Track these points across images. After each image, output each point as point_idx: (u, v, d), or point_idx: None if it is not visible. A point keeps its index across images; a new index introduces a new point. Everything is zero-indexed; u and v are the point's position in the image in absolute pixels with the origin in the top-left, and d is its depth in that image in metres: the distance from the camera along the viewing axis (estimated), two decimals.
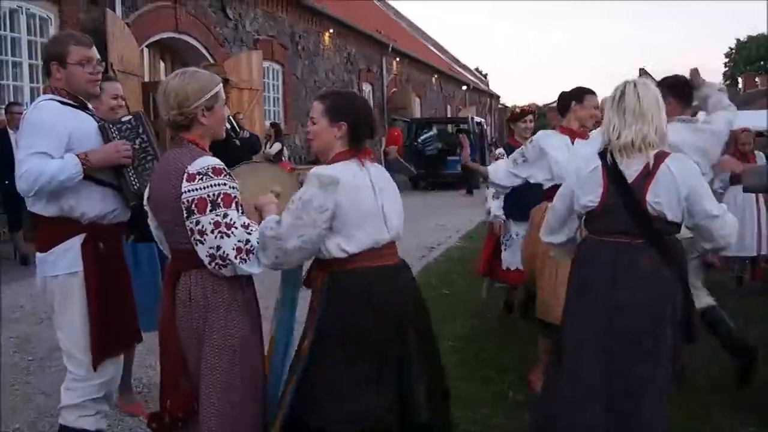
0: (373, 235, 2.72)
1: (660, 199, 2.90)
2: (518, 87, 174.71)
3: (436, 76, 36.21)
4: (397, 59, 29.17)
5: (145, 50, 13.86)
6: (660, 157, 2.95)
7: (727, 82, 74.06)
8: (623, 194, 2.94)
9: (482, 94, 50.74)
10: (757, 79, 56.68)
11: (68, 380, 3.35)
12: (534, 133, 5.33)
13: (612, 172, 2.98)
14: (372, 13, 30.99)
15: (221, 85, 2.86)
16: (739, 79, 61.64)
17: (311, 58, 21.24)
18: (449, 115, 35.96)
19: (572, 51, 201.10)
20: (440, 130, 24.82)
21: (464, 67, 51.31)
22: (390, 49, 27.64)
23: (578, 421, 3.03)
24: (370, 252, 2.72)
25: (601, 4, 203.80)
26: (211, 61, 14.80)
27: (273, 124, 15.83)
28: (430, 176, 21.88)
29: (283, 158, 15.84)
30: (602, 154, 3.05)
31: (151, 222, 2.90)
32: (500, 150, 5.91)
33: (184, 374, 2.73)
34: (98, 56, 3.40)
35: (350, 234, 2.68)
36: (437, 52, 44.32)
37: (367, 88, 26.29)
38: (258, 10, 17.63)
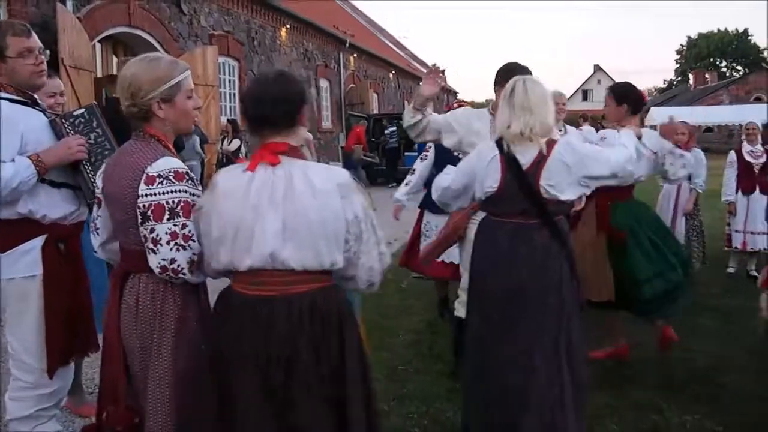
0: (228, 256, 2.34)
1: (552, 182, 3.18)
2: (476, 83, 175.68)
3: (393, 71, 36.26)
4: (355, 55, 29.12)
5: (98, 45, 13.61)
6: (551, 143, 3.22)
7: (679, 78, 75.68)
8: (519, 180, 3.20)
9: (439, 90, 50.90)
10: (707, 76, 57.90)
11: (14, 389, 3.19)
12: None
13: (509, 160, 3.23)
14: (329, 9, 30.87)
15: (187, 73, 2.63)
16: (690, 75, 62.83)
17: (268, 54, 21.09)
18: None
19: (530, 47, 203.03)
20: (398, 126, 24.87)
21: (422, 63, 51.45)
22: (347, 45, 27.58)
23: (508, 382, 3.21)
24: (248, 275, 2.33)
25: (561, 3, 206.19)
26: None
27: (230, 121, 15.66)
28: (390, 170, 21.87)
29: (240, 155, 15.71)
30: (499, 144, 3.29)
31: (101, 213, 2.70)
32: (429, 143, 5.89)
33: (124, 387, 2.56)
34: (40, 44, 3.19)
35: (213, 250, 2.38)
36: (395, 48, 44.38)
37: (324, 83, 26.21)
38: (213, 5, 17.43)
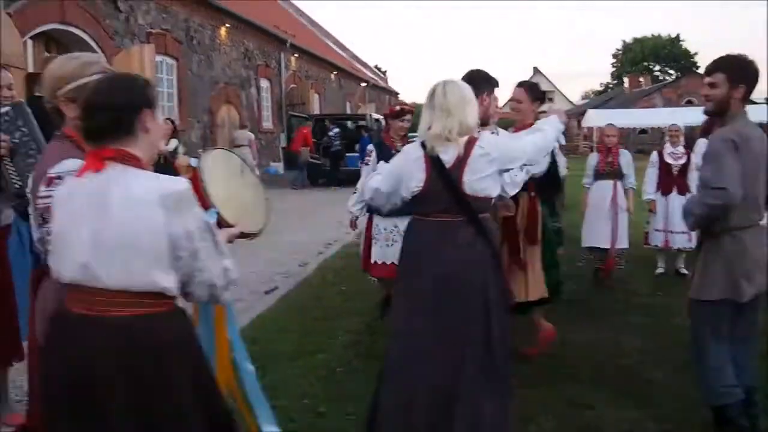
0: (55, 265, 2.22)
1: (475, 178, 3.25)
2: (417, 84, 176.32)
3: (335, 72, 36.23)
4: (296, 55, 29.01)
5: (29, 42, 13.25)
6: (471, 142, 3.29)
7: (615, 81, 77.40)
8: (443, 178, 3.27)
9: (381, 91, 51.11)
10: (641, 79, 59.38)
11: None
12: (410, 131, 5.48)
13: (432, 159, 3.29)
14: (270, 9, 30.67)
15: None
16: (625, 79, 64.32)
17: (207, 53, 20.84)
18: (348, 112, 36.01)
19: (470, 48, 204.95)
20: (340, 127, 24.83)
21: (364, 64, 51.55)
22: (288, 45, 27.46)
23: (415, 372, 3.28)
24: (74, 290, 2.17)
25: (499, 4, 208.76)
26: (100, 54, 14.28)
27: (167, 120, 15.39)
28: (333, 172, 21.82)
29: (178, 155, 15.45)
30: (424, 144, 3.36)
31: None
32: (369, 147, 5.90)
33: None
34: None
35: (52, 257, 2.25)
36: (337, 49, 44.34)
37: (265, 83, 26.04)
38: (151, 3, 17.14)
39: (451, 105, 3.28)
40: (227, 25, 21.89)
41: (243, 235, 2.78)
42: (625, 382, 4.76)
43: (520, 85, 5.14)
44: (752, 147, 3.55)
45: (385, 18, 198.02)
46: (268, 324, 6.25)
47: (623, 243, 7.72)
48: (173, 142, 14.92)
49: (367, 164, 5.87)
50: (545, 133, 3.56)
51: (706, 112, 3.91)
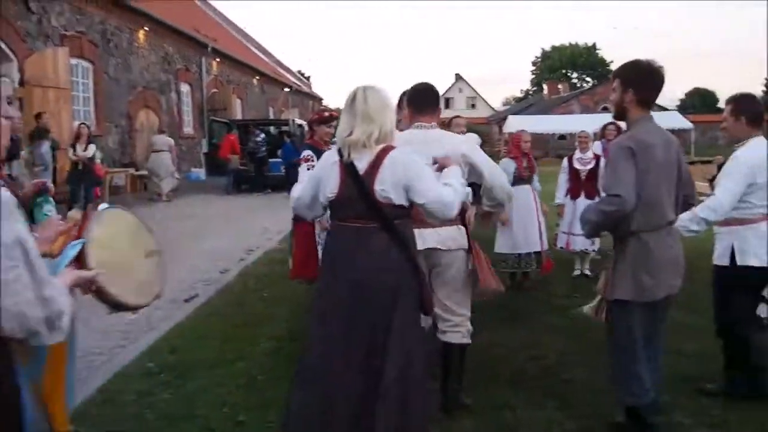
0: None
1: (385, 186, 3.23)
2: (341, 90, 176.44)
3: (258, 77, 35.93)
4: (218, 59, 28.64)
5: None
6: (385, 150, 3.28)
7: (534, 88, 79.28)
8: (356, 185, 3.27)
9: (305, 97, 50.95)
10: (559, 86, 60.97)
11: None
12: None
13: (347, 166, 3.30)
14: (191, 12, 30.24)
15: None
16: (544, 86, 65.90)
17: (125, 56, 20.35)
18: (271, 117, 35.74)
19: (395, 54, 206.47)
20: (266, 133, 24.56)
21: (287, 69, 51.32)
22: (210, 49, 27.08)
23: (332, 380, 3.25)
24: None
25: (418, 11, 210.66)
26: (11, 56, 13.79)
27: (82, 125, 14.93)
28: (258, 177, 21.57)
29: (96, 161, 15.07)
30: (340, 151, 3.36)
31: None
32: (308, 152, 5.81)
33: None
34: None
35: None
36: (259, 54, 43.99)
37: (185, 88, 25.61)
38: (64, 5, 16.62)
39: (372, 111, 3.28)
40: (146, 28, 21.43)
41: (116, 305, 2.35)
42: (544, 382, 4.85)
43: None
44: (653, 153, 3.63)
45: (310, 23, 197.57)
46: (188, 332, 6.13)
47: (545, 245, 7.87)
48: (91, 148, 14.60)
49: (310, 168, 5.78)
50: (453, 191, 3.39)
51: (613, 117, 4.03)
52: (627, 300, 3.72)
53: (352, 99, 3.34)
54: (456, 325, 4.28)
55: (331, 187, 3.35)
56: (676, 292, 3.83)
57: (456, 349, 4.32)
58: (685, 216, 4.19)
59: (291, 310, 6.40)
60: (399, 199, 3.26)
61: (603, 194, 3.96)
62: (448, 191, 3.35)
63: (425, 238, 4.07)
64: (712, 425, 4.15)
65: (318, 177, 3.50)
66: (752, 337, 4.47)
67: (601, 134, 9.56)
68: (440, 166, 3.70)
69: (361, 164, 3.28)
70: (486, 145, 33.65)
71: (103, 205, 2.60)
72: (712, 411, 4.32)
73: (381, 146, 3.29)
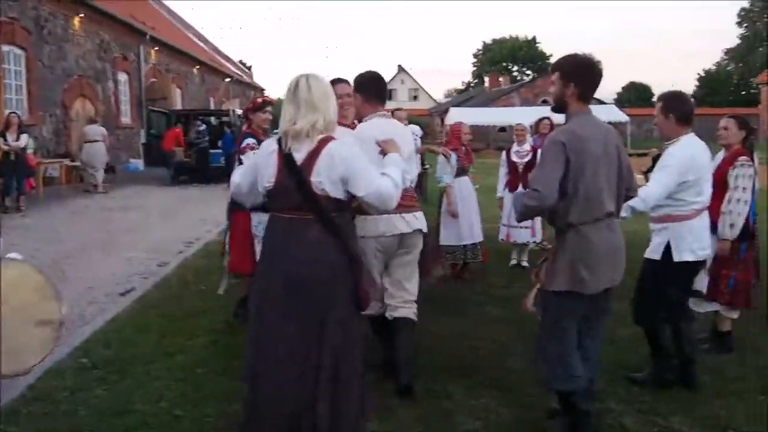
0: None
1: (322, 178, 3.20)
2: (284, 80, 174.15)
3: (198, 67, 35.40)
4: (156, 48, 28.11)
5: None
6: (324, 141, 3.25)
7: (476, 80, 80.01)
8: (293, 175, 3.23)
9: (246, 87, 50.42)
10: (500, 79, 61.65)
11: None
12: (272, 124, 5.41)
13: (285, 156, 3.26)
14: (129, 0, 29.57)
15: None
16: (486, 78, 66.55)
17: (59, 44, 19.82)
18: (212, 107, 35.26)
19: (336, 45, 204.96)
20: (207, 124, 24.18)
21: (227, 58, 50.67)
22: (148, 38, 26.56)
23: (271, 376, 3.26)
24: None
25: (368, 5, 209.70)
26: None
27: (11, 114, 14.45)
28: (200, 168, 21.23)
29: (28, 152, 14.64)
30: (279, 140, 3.32)
31: None
32: (251, 140, 5.75)
33: None
34: None
35: None
36: (199, 43, 43.33)
37: (122, 77, 25.10)
38: None
39: (316, 99, 3.25)
40: (81, 14, 20.89)
41: None
42: (482, 371, 4.93)
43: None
44: (589, 147, 3.62)
45: (251, 13, 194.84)
46: (123, 327, 6.01)
47: (481, 236, 7.94)
48: (23, 138, 14.17)
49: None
50: (391, 182, 3.35)
51: (552, 110, 4.04)
52: (562, 291, 3.73)
53: (295, 87, 3.29)
54: (407, 302, 4.54)
55: (268, 176, 3.31)
56: (616, 285, 3.85)
57: (409, 324, 4.52)
58: None
59: (230, 302, 6.32)
60: (336, 192, 3.24)
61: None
62: (386, 183, 3.32)
63: (409, 221, 4.43)
64: (641, 411, 4.28)
65: (256, 165, 3.46)
66: (683, 329, 4.62)
67: (536, 129, 9.68)
68: (382, 150, 3.71)
69: (299, 155, 3.24)
70: (428, 137, 33.86)
71: (13, 255, 2.44)
72: (642, 397, 4.45)
73: (321, 137, 3.24)
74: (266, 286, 3.35)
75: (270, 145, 3.40)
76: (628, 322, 4.87)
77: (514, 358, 5.21)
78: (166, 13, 40.73)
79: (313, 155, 3.22)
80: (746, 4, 70.50)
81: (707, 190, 4.57)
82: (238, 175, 3.63)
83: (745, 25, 70.50)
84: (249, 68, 61.29)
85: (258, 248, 5.73)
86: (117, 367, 4.99)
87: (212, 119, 25.08)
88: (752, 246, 5.36)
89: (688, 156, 4.40)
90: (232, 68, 48.41)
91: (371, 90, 4.64)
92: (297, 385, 3.21)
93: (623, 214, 4.26)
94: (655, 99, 4.65)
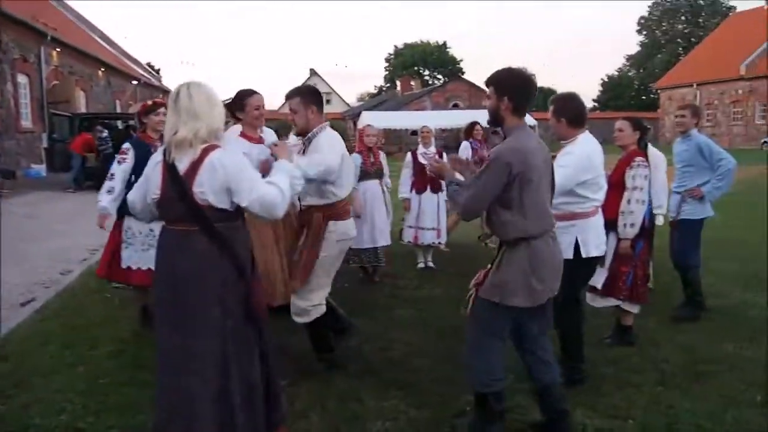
0: None
1: (205, 189, 3.18)
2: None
3: (103, 69, 34.37)
4: (58, 49, 27.13)
5: None
6: (207, 150, 3.22)
7: (388, 84, 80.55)
8: (176, 186, 3.21)
9: (154, 90, 49.26)
10: (412, 83, 62.25)
11: None
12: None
13: (168, 167, 3.24)
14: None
15: None
16: (398, 82, 67.05)
17: None
18: (119, 111, 34.29)
19: (246, 51, 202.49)
20: (108, 127, 23.46)
21: (135, 61, 49.43)
22: (49, 39, 25.62)
23: (169, 386, 3.27)
24: None
25: (271, 4, 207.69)
26: None
27: None
28: (104, 174, 20.50)
29: None
30: (165, 151, 3.29)
31: None
32: (125, 144, 5.72)
33: None
34: None
35: None
36: (104, 44, 42.08)
37: (23, 79, 24.11)
38: None
39: (198, 107, 3.23)
40: None
41: None
42: (392, 373, 4.97)
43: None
44: (532, 161, 3.63)
45: (161, 15, 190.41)
46: (23, 338, 5.79)
47: (389, 239, 7.98)
48: None
49: (121, 163, 5.64)
50: (277, 190, 3.36)
51: (488, 123, 4.05)
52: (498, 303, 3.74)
53: (176, 97, 3.27)
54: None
55: (154, 188, 3.30)
56: (555, 294, 3.91)
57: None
58: None
59: (135, 311, 6.18)
60: (220, 203, 3.22)
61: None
62: (271, 191, 3.31)
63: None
64: None
65: (146, 177, 3.42)
66: (581, 326, 4.77)
67: (468, 134, 9.84)
68: (272, 154, 3.72)
69: (182, 165, 3.21)
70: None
71: None
72: None
73: (204, 146, 3.22)
74: (158, 299, 3.33)
75: (156, 155, 3.36)
76: None
77: (423, 359, 5.27)
78: (70, 14, 39.40)
79: (196, 165, 3.19)
80: (645, 13, 73.58)
81: (603, 187, 4.75)
82: (131, 192, 3.60)
83: (644, 32, 73.49)
84: (158, 71, 59.96)
85: (125, 254, 5.66)
86: (15, 381, 4.81)
87: (119, 123, 24.38)
88: (648, 244, 5.60)
89: (585, 154, 4.55)
90: (140, 71, 47.24)
91: (320, 102, 4.72)
92: (193, 399, 3.19)
93: None
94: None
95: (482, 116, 5.10)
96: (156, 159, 3.34)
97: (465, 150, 9.65)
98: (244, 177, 3.24)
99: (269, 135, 5.81)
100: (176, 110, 3.25)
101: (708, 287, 6.76)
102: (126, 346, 5.52)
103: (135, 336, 5.78)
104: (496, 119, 3.82)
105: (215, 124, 3.28)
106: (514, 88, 3.73)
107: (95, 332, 5.93)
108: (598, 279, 5.30)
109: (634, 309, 5.55)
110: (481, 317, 3.84)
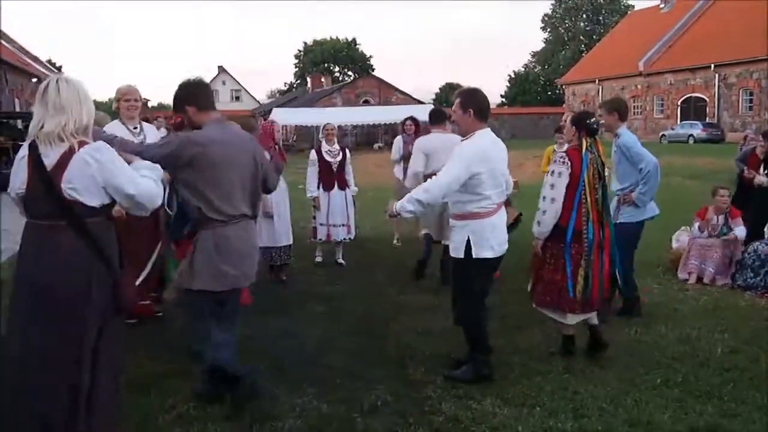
0: None
1: (74, 185, 3.12)
2: (103, 82, 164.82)
3: (1, 67, 32.96)
4: None
5: None
6: (80, 145, 3.16)
7: (298, 81, 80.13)
8: (42, 181, 3.13)
9: None
10: (322, 79, 62.15)
11: None
12: None
13: (34, 161, 3.14)
14: None
15: None
16: (308, 79, 66.78)
17: None
18: (19, 110, 32.93)
19: (158, 50, 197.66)
20: (8, 127, 22.49)
21: (34, 58, 47.57)
22: None
23: (18, 397, 3.16)
24: None
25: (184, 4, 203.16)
26: None
27: None
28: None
29: None
30: (32, 145, 3.19)
31: None
32: None
33: None
34: None
35: None
36: (3, 42, 40.34)
37: None
38: None
39: (65, 101, 3.15)
40: None
41: None
42: (304, 369, 4.97)
43: None
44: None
45: (64, 12, 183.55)
46: None
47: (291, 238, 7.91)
48: None
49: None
50: (152, 180, 3.38)
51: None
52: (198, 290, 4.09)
53: (44, 90, 3.18)
54: None
55: (19, 182, 3.20)
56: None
57: None
58: (405, 198, 4.61)
59: None
60: (90, 199, 3.16)
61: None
62: (149, 182, 3.34)
63: None
64: (457, 396, 4.51)
65: (14, 173, 3.29)
66: (482, 322, 4.84)
67: (402, 129, 9.95)
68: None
69: (49, 159, 3.13)
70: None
71: None
72: (458, 384, 4.68)
73: (72, 142, 3.14)
74: (17, 297, 3.22)
75: (23, 150, 3.25)
76: (441, 316, 5.06)
77: (336, 354, 5.30)
78: None
79: (64, 160, 3.12)
80: (548, 10, 75.51)
81: (502, 185, 4.73)
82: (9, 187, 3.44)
83: (548, 29, 75.42)
84: (59, 69, 57.88)
85: None
86: None
87: (18, 122, 23.41)
88: (578, 250, 5.00)
89: (479, 149, 4.57)
90: (40, 68, 45.48)
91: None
92: (52, 398, 3.12)
93: (410, 207, 4.54)
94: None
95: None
96: (22, 154, 3.23)
97: (398, 143, 9.75)
98: (123, 170, 3.22)
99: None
100: (42, 103, 3.17)
101: None
102: None
103: None
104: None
105: (84, 120, 3.20)
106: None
107: None
108: None
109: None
110: (189, 303, 4.26)
